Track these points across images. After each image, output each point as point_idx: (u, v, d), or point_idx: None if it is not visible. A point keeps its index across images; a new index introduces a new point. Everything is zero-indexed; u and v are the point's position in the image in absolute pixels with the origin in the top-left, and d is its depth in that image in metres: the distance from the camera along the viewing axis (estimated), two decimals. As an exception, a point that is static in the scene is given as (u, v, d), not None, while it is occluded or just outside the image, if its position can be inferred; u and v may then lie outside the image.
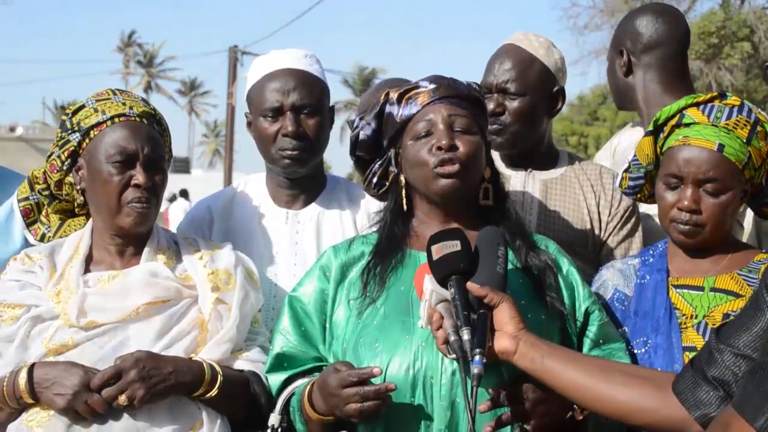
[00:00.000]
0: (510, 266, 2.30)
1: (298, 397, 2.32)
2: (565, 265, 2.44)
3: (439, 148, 2.31)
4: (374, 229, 2.50)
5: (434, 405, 2.18)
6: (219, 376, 2.39)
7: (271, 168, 2.98)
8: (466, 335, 2.02)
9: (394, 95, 2.42)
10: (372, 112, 2.47)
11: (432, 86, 2.40)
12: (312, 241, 2.94)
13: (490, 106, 2.99)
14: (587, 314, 2.39)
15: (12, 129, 45.70)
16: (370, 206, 2.99)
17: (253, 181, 3.09)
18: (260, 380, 2.45)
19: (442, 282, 2.12)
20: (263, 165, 3.07)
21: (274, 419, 2.36)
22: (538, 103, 3.08)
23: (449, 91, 2.39)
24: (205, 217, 3.00)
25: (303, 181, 2.97)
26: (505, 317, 2.08)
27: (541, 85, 3.08)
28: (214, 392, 2.38)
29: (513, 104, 3.05)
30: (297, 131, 2.84)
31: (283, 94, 2.86)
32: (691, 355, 2.36)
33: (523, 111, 3.06)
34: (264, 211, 2.99)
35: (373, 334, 2.27)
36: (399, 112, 2.40)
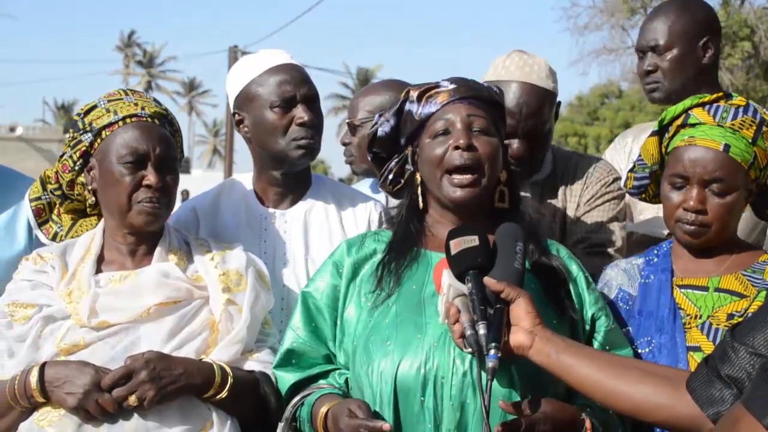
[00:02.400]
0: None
1: (308, 409, 2.32)
2: (574, 270, 2.44)
3: (457, 147, 2.32)
4: (386, 225, 2.51)
5: (444, 405, 2.19)
6: (229, 377, 2.39)
7: (267, 164, 2.97)
8: (482, 330, 2.04)
9: (414, 93, 2.43)
10: (391, 109, 2.48)
11: (452, 86, 2.41)
12: (299, 240, 2.94)
13: (516, 146, 3.06)
14: (593, 320, 2.39)
15: (12, 129, 45.71)
16: (356, 205, 3.02)
17: (240, 181, 3.09)
18: (270, 381, 2.46)
19: (460, 277, 2.14)
20: (260, 165, 3.06)
21: (281, 429, 2.36)
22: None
23: (469, 91, 2.40)
24: (191, 218, 2.98)
25: (293, 179, 2.98)
26: (521, 312, 2.09)
27: (555, 116, 3.21)
28: (224, 394, 2.38)
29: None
30: (313, 119, 2.88)
31: (295, 86, 2.89)
32: (695, 354, 2.37)
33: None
34: (251, 211, 2.99)
35: (385, 332, 2.27)
36: (418, 110, 2.41)
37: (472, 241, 2.16)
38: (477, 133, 2.35)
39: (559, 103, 3.19)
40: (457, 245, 2.16)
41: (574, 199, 3.16)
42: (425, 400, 2.19)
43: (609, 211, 3.14)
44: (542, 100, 3.07)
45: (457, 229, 2.22)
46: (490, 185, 2.38)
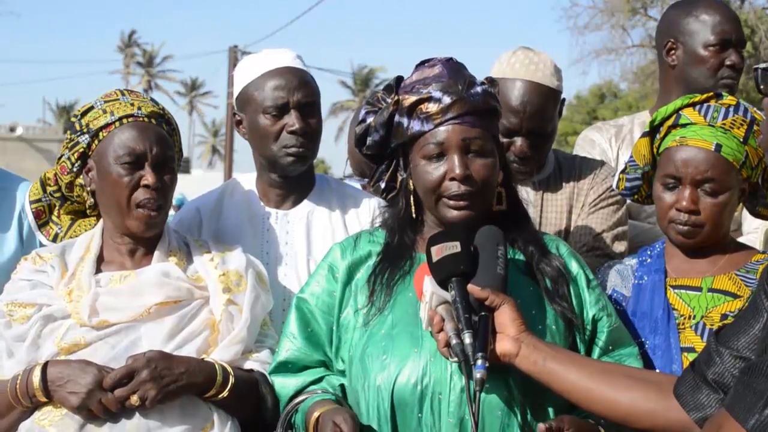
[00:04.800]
0: (521, 274, 2.29)
1: (302, 417, 2.29)
2: (575, 269, 2.37)
3: (453, 179, 2.24)
4: (378, 223, 2.46)
5: (442, 422, 2.15)
6: (231, 377, 2.40)
7: (265, 167, 2.97)
8: (467, 338, 2.01)
9: (404, 104, 2.30)
10: (380, 118, 2.35)
11: (446, 100, 2.25)
12: (302, 241, 2.94)
13: (520, 143, 3.07)
14: (594, 321, 2.33)
15: (12, 129, 45.67)
16: (360, 205, 3.00)
17: (243, 181, 3.08)
18: (268, 381, 2.45)
19: (443, 283, 2.11)
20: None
21: None
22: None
23: (463, 107, 2.25)
24: (195, 219, 2.98)
25: (294, 180, 2.96)
26: (506, 319, 2.07)
27: (558, 114, 3.17)
28: (225, 393, 2.39)
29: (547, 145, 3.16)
30: (304, 128, 2.85)
31: (289, 92, 2.86)
32: (690, 355, 2.37)
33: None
34: (253, 212, 2.98)
35: (381, 345, 2.23)
36: (409, 124, 2.29)
37: (454, 247, 2.12)
38: (473, 156, 2.26)
39: (564, 100, 3.20)
40: (438, 252, 2.12)
41: (581, 199, 3.16)
42: (423, 416, 2.16)
43: (613, 214, 3.14)
44: (546, 99, 3.08)
45: (438, 234, 2.17)
46: (486, 204, 2.31)
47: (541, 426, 2.08)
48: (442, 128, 2.26)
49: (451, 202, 2.26)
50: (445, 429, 2.15)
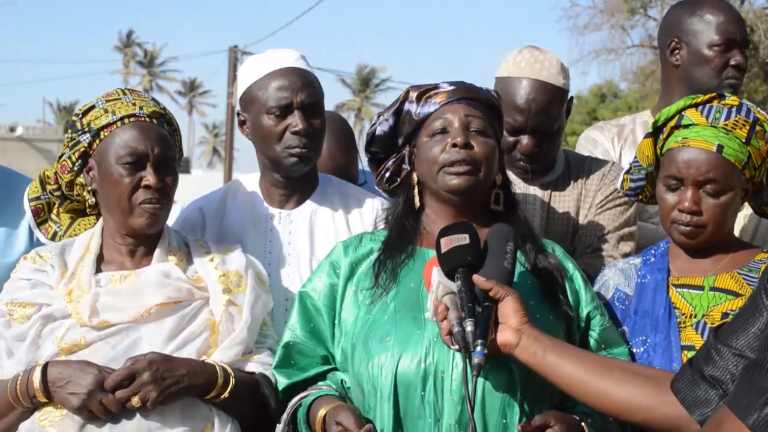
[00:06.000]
0: (520, 268, 2.34)
1: (305, 411, 2.33)
2: (570, 269, 2.46)
3: (454, 146, 2.35)
4: (382, 226, 2.53)
5: (444, 400, 2.20)
6: (231, 379, 2.40)
7: (268, 167, 2.97)
8: (469, 327, 2.06)
9: (413, 94, 2.47)
10: (391, 108, 2.51)
11: (451, 87, 2.45)
12: (305, 241, 2.94)
13: (525, 141, 3.08)
14: (589, 319, 2.41)
15: (12, 129, 45.70)
16: (363, 205, 3.01)
17: (246, 181, 3.08)
18: (270, 383, 2.46)
19: (450, 274, 2.16)
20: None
21: (280, 430, 2.37)
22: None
23: (468, 92, 2.45)
24: (198, 218, 2.99)
25: (297, 180, 2.96)
26: (509, 311, 2.11)
27: (566, 112, 3.18)
28: (226, 395, 2.39)
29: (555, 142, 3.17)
30: (307, 129, 2.85)
31: (293, 92, 2.86)
32: (690, 354, 2.36)
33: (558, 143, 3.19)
34: (257, 212, 2.98)
35: (384, 328, 2.29)
36: (417, 110, 2.45)
37: (463, 239, 2.18)
38: (474, 133, 2.39)
39: (571, 99, 3.20)
40: (447, 243, 2.18)
41: (588, 200, 3.16)
42: (426, 394, 2.21)
43: (620, 215, 3.14)
44: (552, 97, 3.08)
45: (448, 227, 2.24)
46: (485, 182, 2.41)
47: (519, 427, 2.14)
48: (447, 107, 2.43)
49: (452, 169, 2.36)
50: (447, 407, 2.20)
